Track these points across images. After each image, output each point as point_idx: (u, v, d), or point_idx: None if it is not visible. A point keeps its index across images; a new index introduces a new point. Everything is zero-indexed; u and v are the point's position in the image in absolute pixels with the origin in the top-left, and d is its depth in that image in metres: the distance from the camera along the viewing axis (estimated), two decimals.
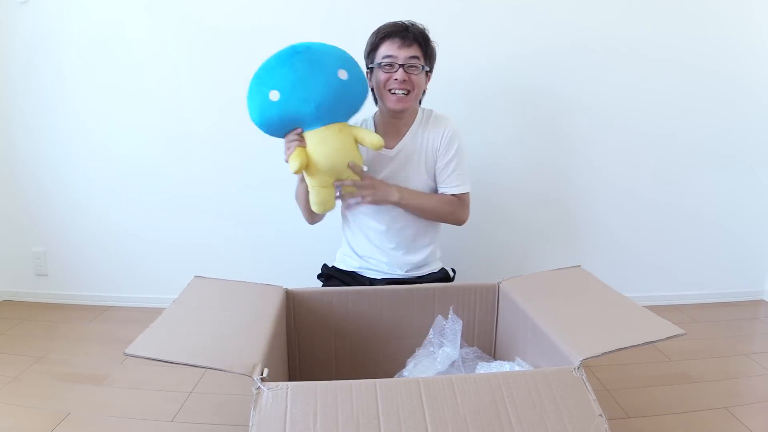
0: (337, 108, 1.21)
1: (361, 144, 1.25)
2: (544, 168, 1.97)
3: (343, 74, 1.18)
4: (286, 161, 1.22)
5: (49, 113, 1.95)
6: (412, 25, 1.29)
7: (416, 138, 1.36)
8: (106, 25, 1.87)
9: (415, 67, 1.26)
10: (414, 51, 1.26)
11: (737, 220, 2.06)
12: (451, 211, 1.38)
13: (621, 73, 1.90)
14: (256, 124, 1.22)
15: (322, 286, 1.41)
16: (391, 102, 1.28)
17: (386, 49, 1.27)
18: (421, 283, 1.31)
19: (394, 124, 1.36)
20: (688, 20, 1.87)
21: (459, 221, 1.40)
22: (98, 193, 2.01)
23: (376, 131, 1.37)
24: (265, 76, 1.19)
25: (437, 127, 1.36)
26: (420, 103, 1.40)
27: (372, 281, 1.38)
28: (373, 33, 1.31)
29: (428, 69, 1.32)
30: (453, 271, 1.49)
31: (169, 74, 1.90)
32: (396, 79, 1.25)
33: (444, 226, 1.46)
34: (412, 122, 1.36)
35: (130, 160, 1.97)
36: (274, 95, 1.16)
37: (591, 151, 1.97)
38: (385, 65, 1.27)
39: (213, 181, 1.98)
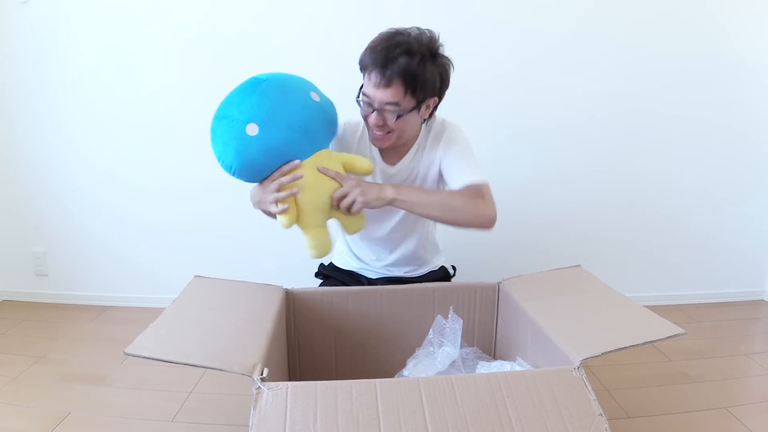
0: (321, 132, 1.09)
1: (350, 171, 1.11)
2: (544, 168, 1.97)
3: (315, 96, 1.08)
4: (269, 212, 1.08)
5: (49, 113, 1.95)
6: (405, 50, 1.04)
7: (417, 156, 1.23)
8: (106, 25, 1.87)
9: (391, 113, 1.07)
10: (393, 94, 1.05)
11: (737, 221, 2.06)
12: (468, 204, 1.10)
13: (621, 74, 1.90)
14: (235, 169, 1.04)
15: (321, 285, 1.41)
16: (372, 139, 1.17)
17: (366, 83, 1.10)
18: (420, 281, 1.30)
19: (390, 147, 1.20)
20: (689, 21, 1.88)
21: (484, 217, 1.12)
22: (98, 193, 2.01)
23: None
24: (231, 111, 1.02)
25: (437, 136, 1.22)
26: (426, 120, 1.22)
27: (371, 281, 1.37)
28: (367, 46, 1.11)
29: (419, 106, 1.10)
30: (453, 268, 1.47)
31: (169, 75, 1.90)
32: (372, 122, 1.11)
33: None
34: (413, 143, 1.23)
35: (130, 160, 1.98)
36: (252, 129, 1.00)
37: (591, 151, 1.97)
38: (363, 104, 1.12)
39: (213, 181, 1.97)
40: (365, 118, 1.14)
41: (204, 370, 0.79)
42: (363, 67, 1.11)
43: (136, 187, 2.00)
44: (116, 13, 1.86)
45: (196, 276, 1.16)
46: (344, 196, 1.06)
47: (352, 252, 1.42)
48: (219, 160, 1.07)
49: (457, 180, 1.15)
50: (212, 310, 1.00)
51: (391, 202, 1.09)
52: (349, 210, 1.07)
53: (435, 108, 1.20)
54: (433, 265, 1.42)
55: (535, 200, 1.99)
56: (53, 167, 2.00)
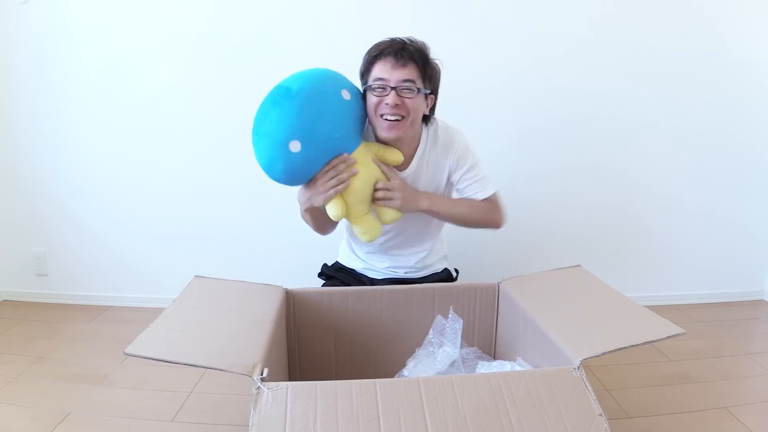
0: (358, 128, 1.16)
1: (382, 161, 1.18)
2: (544, 168, 1.97)
3: (346, 95, 1.11)
4: (317, 204, 1.14)
5: (49, 114, 1.95)
6: (410, 42, 1.15)
7: (423, 161, 1.25)
8: (106, 25, 1.87)
9: (409, 90, 1.12)
10: (409, 72, 1.12)
11: (737, 220, 2.06)
12: (484, 216, 1.27)
13: (622, 74, 1.90)
14: (284, 181, 1.12)
15: (323, 285, 1.41)
16: (383, 129, 1.15)
17: (379, 70, 1.13)
18: (422, 283, 1.31)
19: (397, 146, 1.21)
20: (689, 20, 1.88)
21: (495, 225, 1.30)
22: (98, 193, 2.01)
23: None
24: (270, 128, 1.06)
25: (446, 147, 1.25)
26: (426, 122, 1.26)
27: (373, 281, 1.37)
28: (366, 51, 1.18)
29: (428, 91, 1.17)
30: (456, 271, 1.48)
31: (170, 76, 1.90)
32: (387, 104, 1.11)
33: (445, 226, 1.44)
34: (417, 146, 1.24)
35: (130, 159, 1.97)
36: (295, 146, 1.04)
37: (591, 151, 1.97)
38: (377, 88, 1.13)
39: (213, 181, 1.98)
40: (376, 106, 1.14)
41: (204, 370, 0.79)
42: (372, 61, 1.15)
43: (137, 188, 2.00)
44: (116, 14, 1.86)
45: (196, 276, 1.16)
46: (385, 190, 1.16)
47: (353, 252, 1.43)
48: (267, 173, 1.12)
49: (476, 194, 1.27)
50: (212, 310, 1.00)
51: (425, 211, 1.23)
52: (378, 201, 1.17)
53: (433, 108, 1.24)
54: (436, 268, 1.43)
55: (536, 200, 1.99)
56: (53, 167, 2.00)
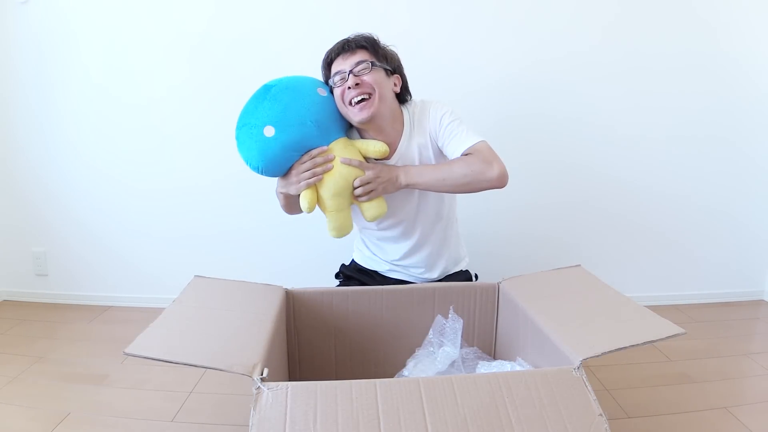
0: (332, 123, 1.19)
1: (365, 155, 1.20)
2: (544, 168, 1.97)
3: (322, 91, 1.18)
4: (291, 193, 1.18)
5: (49, 114, 1.95)
6: (355, 35, 1.20)
7: (408, 142, 1.25)
8: (106, 25, 1.87)
9: (364, 68, 1.16)
10: (360, 56, 1.17)
11: (737, 221, 2.06)
12: (471, 170, 1.14)
13: (621, 74, 1.90)
14: (261, 169, 1.16)
15: (339, 285, 1.40)
16: (355, 114, 1.16)
17: (335, 67, 1.19)
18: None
19: (380, 132, 1.22)
20: (688, 20, 1.88)
21: (488, 179, 1.14)
22: (98, 194, 2.01)
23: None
24: (249, 119, 1.15)
25: (422, 120, 1.24)
26: (403, 102, 1.27)
27: (390, 282, 1.36)
28: (322, 61, 1.24)
29: (388, 68, 1.20)
30: (476, 276, 1.46)
31: (169, 75, 1.90)
32: (349, 87, 1.15)
33: (455, 222, 1.40)
34: (402, 130, 1.24)
35: (130, 159, 1.98)
36: (269, 131, 1.12)
37: (591, 152, 1.97)
38: (338, 81, 1.18)
39: (213, 180, 1.98)
40: (342, 96, 1.17)
41: (204, 370, 0.79)
42: (327, 67, 1.22)
43: (137, 187, 2.00)
44: (116, 14, 1.86)
45: (196, 276, 1.16)
46: (363, 185, 1.16)
47: (375, 255, 1.41)
48: (247, 164, 1.17)
49: (455, 150, 1.19)
50: (212, 310, 1.00)
51: (406, 187, 1.20)
52: (359, 198, 1.18)
53: (406, 88, 1.27)
54: (461, 266, 1.42)
55: (536, 200, 1.99)
56: (53, 167, 2.00)
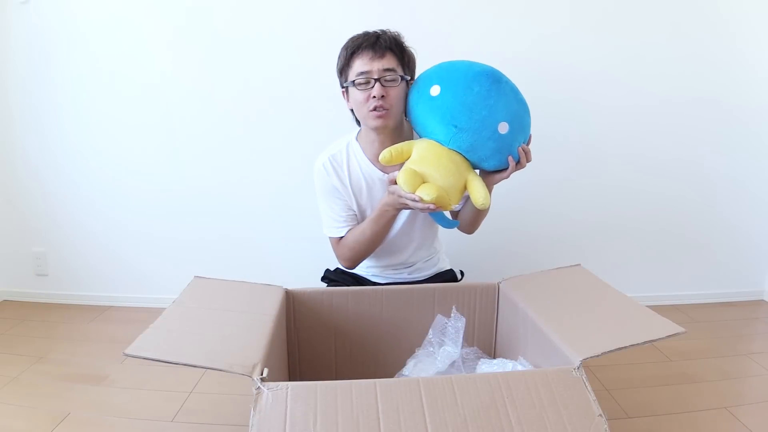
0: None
1: (472, 198, 1.12)
2: (544, 168, 1.97)
3: (503, 127, 1.10)
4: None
5: (49, 113, 1.95)
6: (384, 33, 1.16)
7: None
8: (107, 25, 1.87)
9: (392, 80, 1.14)
10: (388, 61, 1.14)
11: (737, 221, 2.06)
12: None
13: (621, 74, 1.90)
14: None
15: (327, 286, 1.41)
16: (371, 119, 1.15)
17: (359, 65, 1.14)
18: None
19: (382, 141, 1.21)
20: (688, 20, 1.88)
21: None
22: (98, 194, 2.01)
23: (365, 154, 1.27)
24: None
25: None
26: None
27: (375, 285, 1.37)
28: (342, 48, 1.19)
29: (408, 77, 1.19)
30: (462, 273, 1.47)
31: (169, 75, 1.90)
32: (374, 96, 1.12)
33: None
34: (402, 134, 1.24)
35: (130, 160, 1.98)
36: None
37: (591, 152, 1.97)
38: (360, 83, 1.14)
39: (213, 181, 1.97)
40: (365, 101, 1.14)
41: (204, 370, 0.79)
42: (350, 57, 1.16)
43: (137, 188, 2.00)
44: (117, 14, 1.86)
45: (196, 276, 1.16)
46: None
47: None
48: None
49: None
50: (212, 310, 1.00)
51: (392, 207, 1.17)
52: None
53: None
54: (439, 268, 1.42)
55: (536, 200, 1.99)
56: (53, 167, 2.00)
